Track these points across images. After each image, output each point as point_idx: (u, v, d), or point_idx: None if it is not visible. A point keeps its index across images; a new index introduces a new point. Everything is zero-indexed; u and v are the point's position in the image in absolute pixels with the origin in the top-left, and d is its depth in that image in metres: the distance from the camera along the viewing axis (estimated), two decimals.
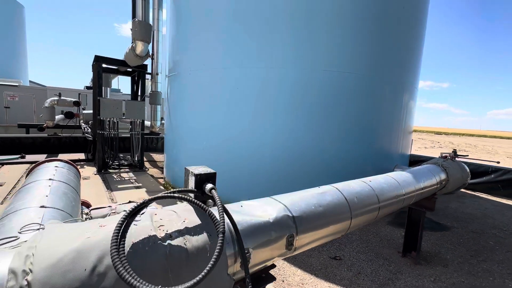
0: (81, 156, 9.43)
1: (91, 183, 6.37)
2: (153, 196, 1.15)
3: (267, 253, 1.43)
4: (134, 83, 9.06)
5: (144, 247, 1.02)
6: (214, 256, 1.01)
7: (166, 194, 1.22)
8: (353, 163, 5.36)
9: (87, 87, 14.86)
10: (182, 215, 1.23)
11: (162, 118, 9.51)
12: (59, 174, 2.44)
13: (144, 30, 6.20)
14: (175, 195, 1.24)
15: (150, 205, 1.20)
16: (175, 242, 1.09)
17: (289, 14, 4.98)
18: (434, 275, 3.50)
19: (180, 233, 1.13)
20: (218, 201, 1.20)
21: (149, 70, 8.24)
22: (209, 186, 1.30)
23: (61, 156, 8.80)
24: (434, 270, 3.62)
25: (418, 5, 6.03)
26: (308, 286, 3.17)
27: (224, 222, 1.12)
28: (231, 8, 5.30)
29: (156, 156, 11.07)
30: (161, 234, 1.08)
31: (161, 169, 8.99)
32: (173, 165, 6.90)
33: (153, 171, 8.58)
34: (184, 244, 1.10)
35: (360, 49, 5.15)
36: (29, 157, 8.19)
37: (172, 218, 1.19)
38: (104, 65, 7.26)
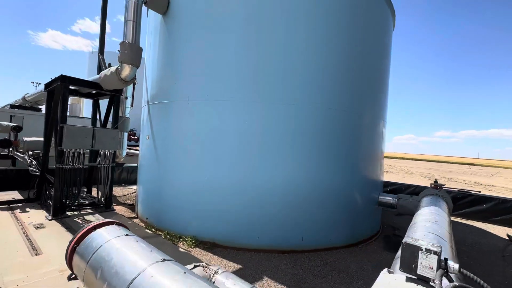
0: (15, 195, 7.41)
1: (52, 233, 5.03)
2: None
3: None
4: (96, 107, 7.87)
5: None
6: None
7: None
8: (347, 191, 5.73)
9: (12, 106, 12.06)
10: None
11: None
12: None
13: (135, 54, 5.54)
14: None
15: None
16: None
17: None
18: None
19: None
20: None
21: None
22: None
23: None
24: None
25: (386, 67, 7.15)
26: None
27: None
28: (252, 57, 5.31)
29: (116, 190, 9.52)
30: None
31: (126, 205, 7.75)
32: (155, 202, 6.03)
33: (118, 208, 7.32)
34: None
35: (345, 92, 5.70)
36: None
37: None
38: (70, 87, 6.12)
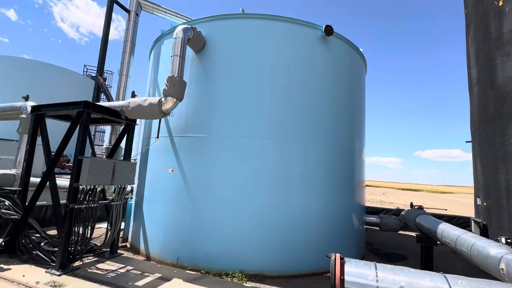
0: None
1: None
2: None
3: None
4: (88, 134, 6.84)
5: None
6: None
7: None
8: (350, 215, 7.01)
9: None
10: None
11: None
12: None
13: (181, 88, 5.49)
14: None
15: None
16: None
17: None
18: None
19: None
20: None
21: None
22: None
23: None
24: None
25: (361, 106, 9.25)
26: None
27: None
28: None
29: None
30: None
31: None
32: (188, 241, 5.70)
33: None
34: None
35: (345, 133, 7.17)
36: None
37: None
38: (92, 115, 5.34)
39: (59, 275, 4.61)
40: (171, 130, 6.41)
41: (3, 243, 5.40)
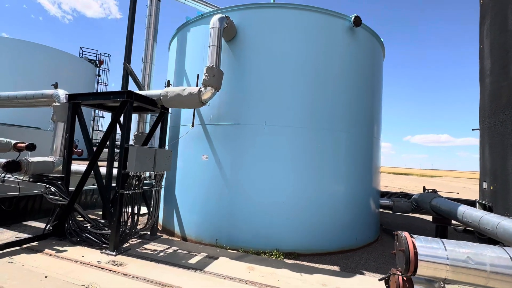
0: (10, 234, 5.70)
1: (160, 269, 4.58)
2: None
3: None
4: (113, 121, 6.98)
5: None
6: None
7: None
8: (370, 198, 7.53)
9: None
10: None
11: None
12: None
13: (219, 78, 5.64)
14: None
15: None
16: None
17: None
18: None
19: None
20: None
21: None
22: None
23: None
24: None
25: (380, 94, 9.57)
26: None
27: None
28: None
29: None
30: None
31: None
32: (225, 223, 6.11)
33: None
34: None
35: (365, 121, 7.51)
36: None
37: None
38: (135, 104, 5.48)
39: (115, 255, 4.96)
40: (203, 119, 6.62)
41: (51, 227, 5.67)
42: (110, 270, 4.35)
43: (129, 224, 5.62)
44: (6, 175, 5.66)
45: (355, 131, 6.92)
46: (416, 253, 2.68)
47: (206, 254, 5.40)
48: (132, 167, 5.14)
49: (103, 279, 4.04)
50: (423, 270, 2.66)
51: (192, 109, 6.57)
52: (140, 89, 7.43)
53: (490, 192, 7.79)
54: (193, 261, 4.99)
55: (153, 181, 6.14)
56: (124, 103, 5.32)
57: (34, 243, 5.36)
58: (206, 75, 5.51)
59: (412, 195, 9.12)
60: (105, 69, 28.49)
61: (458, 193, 10.11)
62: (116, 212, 5.13)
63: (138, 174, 5.46)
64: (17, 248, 5.08)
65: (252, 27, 6.48)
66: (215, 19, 5.82)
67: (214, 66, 5.58)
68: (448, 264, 2.62)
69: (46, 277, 3.99)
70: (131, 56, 7.08)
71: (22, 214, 6.66)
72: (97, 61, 27.13)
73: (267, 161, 6.13)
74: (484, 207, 7.48)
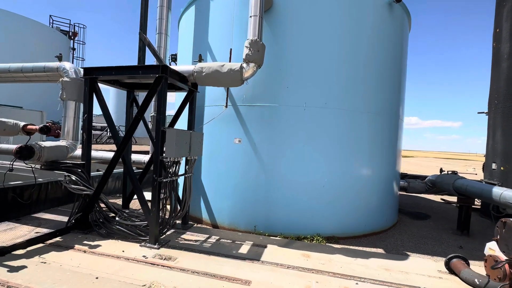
0: (21, 228, 5.00)
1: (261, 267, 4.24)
2: None
3: None
4: (147, 99, 6.21)
5: None
6: None
7: None
8: (393, 181, 7.62)
9: None
10: None
11: None
12: None
13: (263, 53, 5.07)
14: None
15: None
16: None
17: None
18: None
19: None
20: None
21: None
22: None
23: None
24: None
25: (405, 74, 9.46)
26: None
27: None
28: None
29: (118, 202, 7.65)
30: None
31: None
32: (263, 210, 5.85)
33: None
34: None
35: (392, 100, 7.35)
36: None
37: None
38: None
39: (157, 248, 4.54)
40: (234, 99, 6.08)
41: (73, 220, 5.05)
42: (163, 266, 3.95)
43: (163, 214, 5.14)
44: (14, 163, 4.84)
45: (387, 113, 6.79)
46: None
47: (252, 242, 5.15)
48: (172, 152, 4.59)
49: (162, 276, 3.65)
50: None
51: (223, 88, 5.98)
52: (160, 63, 6.59)
53: (500, 172, 8.23)
54: (243, 250, 4.72)
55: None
56: (159, 79, 4.63)
57: (57, 239, 4.74)
58: (250, 49, 4.93)
59: (420, 176, 9.44)
60: (81, 42, 25.64)
61: (476, 173, 10.72)
62: (155, 202, 4.63)
63: (176, 160, 4.92)
64: (41, 245, 4.46)
65: None
66: None
67: (258, 39, 4.99)
68: None
69: (96, 278, 3.51)
70: (147, 26, 6.16)
71: (28, 205, 5.88)
72: (70, 33, 24.23)
73: (307, 145, 5.84)
74: None
